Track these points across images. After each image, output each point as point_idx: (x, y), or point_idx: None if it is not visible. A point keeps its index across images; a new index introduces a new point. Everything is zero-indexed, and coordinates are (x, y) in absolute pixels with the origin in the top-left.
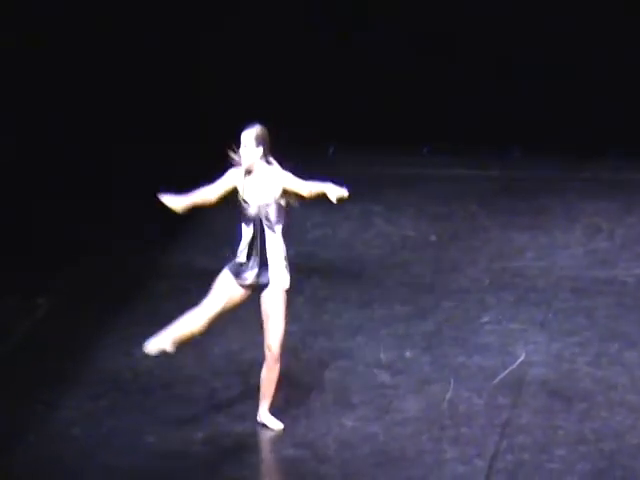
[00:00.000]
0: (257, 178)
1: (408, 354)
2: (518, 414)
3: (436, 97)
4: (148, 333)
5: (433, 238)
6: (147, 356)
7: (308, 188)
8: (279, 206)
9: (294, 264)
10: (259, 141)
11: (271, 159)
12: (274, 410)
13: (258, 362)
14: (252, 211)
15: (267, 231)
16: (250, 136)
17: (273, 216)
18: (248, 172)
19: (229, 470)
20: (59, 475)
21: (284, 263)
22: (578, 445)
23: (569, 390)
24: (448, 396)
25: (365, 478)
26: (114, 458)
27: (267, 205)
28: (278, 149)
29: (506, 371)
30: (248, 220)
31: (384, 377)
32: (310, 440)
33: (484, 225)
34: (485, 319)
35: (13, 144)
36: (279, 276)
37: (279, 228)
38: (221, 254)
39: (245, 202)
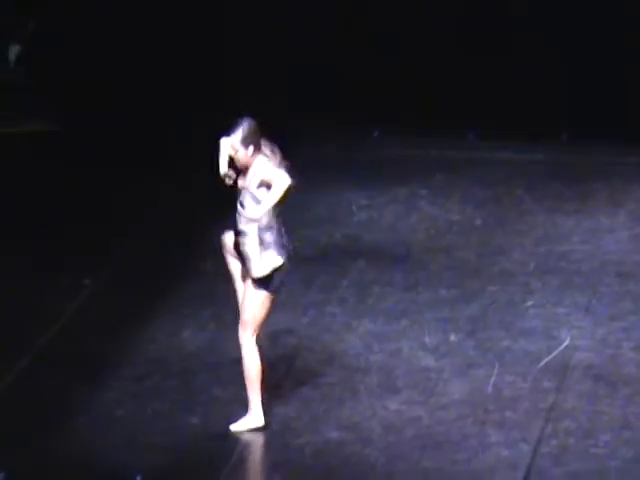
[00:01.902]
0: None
1: (453, 338)
2: (563, 399)
3: (483, 81)
4: (194, 314)
5: (479, 222)
6: (192, 338)
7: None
8: (254, 196)
9: (340, 247)
10: (247, 142)
11: (267, 149)
12: (316, 394)
13: (303, 345)
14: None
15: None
16: (237, 140)
17: (247, 203)
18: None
19: (273, 452)
20: (103, 456)
21: (259, 250)
22: (622, 430)
23: (614, 375)
24: (492, 380)
25: (409, 461)
26: (158, 439)
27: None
28: (325, 132)
29: (551, 355)
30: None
31: (428, 361)
32: (354, 423)
33: (530, 209)
34: (530, 303)
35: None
36: (253, 265)
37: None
38: None
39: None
